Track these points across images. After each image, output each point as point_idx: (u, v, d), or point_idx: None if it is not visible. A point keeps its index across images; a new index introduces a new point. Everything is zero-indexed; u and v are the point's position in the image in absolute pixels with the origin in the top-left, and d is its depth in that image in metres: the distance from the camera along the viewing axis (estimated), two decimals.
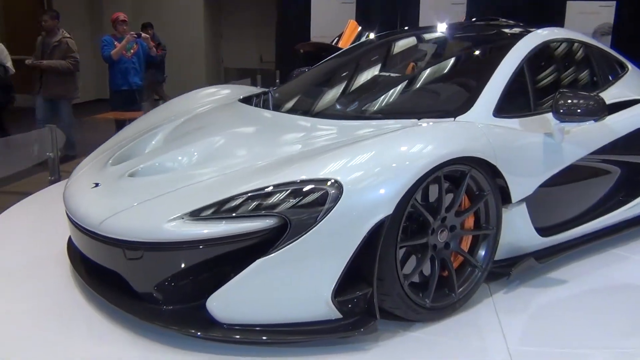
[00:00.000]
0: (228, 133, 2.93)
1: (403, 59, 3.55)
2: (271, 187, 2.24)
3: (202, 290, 2.22)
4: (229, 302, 2.19)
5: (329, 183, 2.20)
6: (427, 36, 3.76)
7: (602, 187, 3.36)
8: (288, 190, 2.21)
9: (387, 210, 2.21)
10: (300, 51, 7.89)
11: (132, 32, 6.55)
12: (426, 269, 2.54)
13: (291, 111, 3.11)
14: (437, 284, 2.60)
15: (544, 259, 3.02)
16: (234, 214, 2.20)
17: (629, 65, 3.95)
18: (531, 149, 2.79)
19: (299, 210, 2.16)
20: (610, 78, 3.69)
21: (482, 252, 2.70)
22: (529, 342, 2.45)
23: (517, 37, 3.24)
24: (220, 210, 2.22)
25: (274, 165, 2.43)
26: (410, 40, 3.78)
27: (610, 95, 3.52)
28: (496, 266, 2.84)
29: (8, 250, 3.21)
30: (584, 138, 3.08)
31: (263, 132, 2.93)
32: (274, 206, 2.18)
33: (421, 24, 10.17)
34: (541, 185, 2.86)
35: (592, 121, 2.80)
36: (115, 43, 6.62)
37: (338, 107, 3.13)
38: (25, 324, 2.45)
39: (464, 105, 2.86)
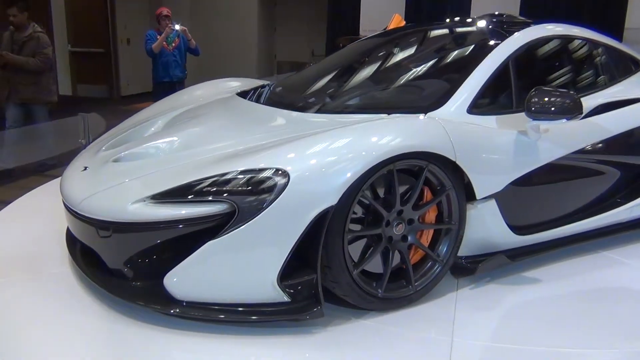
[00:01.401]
0: (211, 123, 3.11)
1: (387, 56, 3.59)
2: (225, 175, 2.38)
3: (163, 269, 2.40)
4: (183, 280, 2.36)
5: (277, 172, 2.32)
6: (417, 33, 3.77)
7: (593, 188, 3.29)
8: (240, 178, 2.35)
9: (332, 200, 2.30)
10: (340, 45, 8.08)
11: (169, 25, 6.84)
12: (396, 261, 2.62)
13: (276, 104, 3.24)
14: (397, 276, 2.67)
15: (520, 258, 3.02)
16: (189, 199, 2.37)
17: None
18: (499, 147, 2.79)
19: (247, 197, 2.30)
20: (617, 76, 3.59)
21: (443, 247, 2.74)
22: (476, 337, 2.49)
23: (505, 35, 3.21)
24: (178, 194, 2.39)
25: (236, 154, 2.57)
26: (398, 37, 3.81)
27: (609, 93, 3.44)
28: (468, 262, 2.87)
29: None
30: (566, 137, 3.03)
31: (242, 123, 3.08)
32: (225, 192, 2.33)
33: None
34: (515, 184, 2.85)
35: (565, 120, 2.76)
36: (158, 37, 6.95)
37: (316, 101, 3.23)
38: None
39: (438, 101, 2.90)
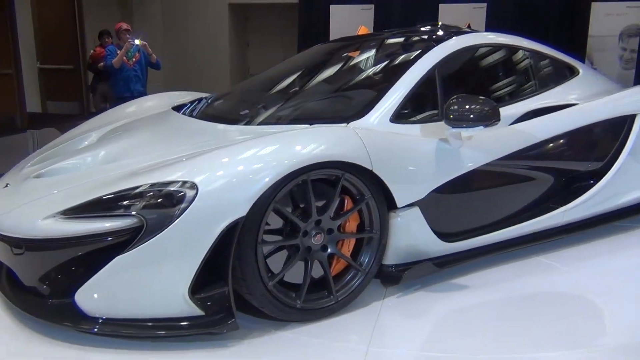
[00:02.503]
0: (138, 137, 3.09)
1: (320, 67, 3.61)
2: (136, 189, 2.37)
3: (75, 285, 2.37)
4: (93, 296, 2.33)
5: (185, 185, 2.31)
6: (355, 44, 3.79)
7: (524, 194, 3.31)
8: (148, 191, 2.34)
9: (242, 212, 2.29)
10: None
11: (129, 40, 6.82)
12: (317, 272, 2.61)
13: (207, 117, 3.23)
14: (320, 286, 2.66)
15: (449, 265, 3.02)
16: (98, 214, 2.35)
17: (581, 70, 3.86)
18: (420, 155, 2.80)
19: (155, 210, 2.29)
20: (550, 83, 3.63)
21: (365, 256, 2.74)
22: (395, 345, 2.48)
23: (432, 45, 3.24)
24: (87, 209, 2.37)
25: (150, 168, 2.55)
26: (336, 48, 3.82)
27: (540, 99, 3.47)
28: (395, 270, 2.87)
29: None
30: (491, 144, 3.05)
31: (168, 137, 3.07)
32: (133, 207, 2.31)
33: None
34: (438, 191, 2.86)
35: (482, 127, 2.78)
36: (118, 52, 6.93)
37: (245, 114, 3.23)
38: None
39: (361, 111, 2.91)
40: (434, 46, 3.22)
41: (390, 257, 2.84)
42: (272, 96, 3.45)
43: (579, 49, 8.42)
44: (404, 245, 2.85)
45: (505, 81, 3.49)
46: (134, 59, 7.00)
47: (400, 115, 2.95)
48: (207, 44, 13.11)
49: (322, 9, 11.64)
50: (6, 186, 2.85)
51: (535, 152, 3.25)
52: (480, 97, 2.86)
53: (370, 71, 3.37)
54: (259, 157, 2.40)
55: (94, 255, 2.34)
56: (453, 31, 3.55)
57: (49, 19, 11.76)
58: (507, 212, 3.25)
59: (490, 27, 9.92)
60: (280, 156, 2.40)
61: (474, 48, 3.41)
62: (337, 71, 3.46)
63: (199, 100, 3.74)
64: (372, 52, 3.54)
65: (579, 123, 3.37)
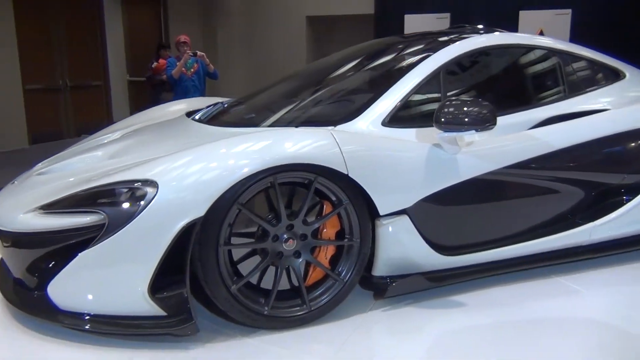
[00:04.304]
0: (137, 138, 3.16)
1: (329, 71, 3.50)
2: (105, 187, 2.40)
3: (49, 278, 2.44)
4: (61, 290, 2.38)
5: (147, 183, 2.31)
6: (375, 47, 3.65)
7: (542, 207, 3.02)
8: (114, 189, 2.36)
9: (199, 212, 2.26)
10: None
11: (188, 52, 7.08)
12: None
13: (209, 121, 3.23)
14: (293, 294, 2.57)
15: (447, 281, 2.81)
16: (69, 209, 2.40)
17: (628, 74, 3.49)
18: (405, 160, 2.62)
19: (117, 208, 2.30)
20: (583, 87, 3.30)
21: (344, 266, 2.61)
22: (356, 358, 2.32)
23: (439, 47, 3.05)
24: (61, 205, 2.44)
25: (126, 167, 2.58)
26: (356, 52, 3.70)
27: (569, 104, 3.16)
28: (384, 282, 2.70)
29: None
30: (497, 150, 2.81)
31: (162, 138, 3.09)
32: (99, 204, 2.35)
33: None
34: (432, 200, 2.67)
35: (474, 131, 2.56)
36: (177, 63, 7.21)
37: (242, 117, 3.20)
38: None
39: (351, 114, 2.79)
40: (441, 48, 3.03)
41: (380, 268, 2.68)
42: (275, 100, 3.40)
43: None
44: (394, 256, 2.68)
45: (522, 84, 3.22)
46: (192, 70, 7.17)
47: (397, 119, 2.79)
48: (285, 56, 13.36)
49: (397, 19, 11.53)
50: (12, 183, 3.00)
51: (555, 160, 2.96)
52: (477, 99, 2.65)
53: (372, 74, 3.24)
54: (220, 157, 2.35)
55: (64, 250, 2.39)
56: (469, 32, 3.33)
57: (138, 34, 12.50)
58: (521, 226, 2.97)
59: (575, 35, 9.33)
60: (241, 157, 2.34)
61: (490, 49, 3.17)
62: (343, 76, 3.34)
63: (215, 104, 3.77)
64: (383, 55, 3.39)
65: (609, 130, 3.03)
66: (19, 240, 2.50)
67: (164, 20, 12.47)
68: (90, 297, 2.37)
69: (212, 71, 7.36)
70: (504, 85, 3.22)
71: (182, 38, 7.24)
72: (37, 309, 2.47)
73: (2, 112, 9.19)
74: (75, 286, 2.36)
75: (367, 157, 2.53)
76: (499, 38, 3.22)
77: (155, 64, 9.16)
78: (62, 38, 10.40)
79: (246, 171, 2.30)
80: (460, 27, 3.66)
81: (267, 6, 13.18)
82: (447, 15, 11.05)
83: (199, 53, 7.13)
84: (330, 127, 2.71)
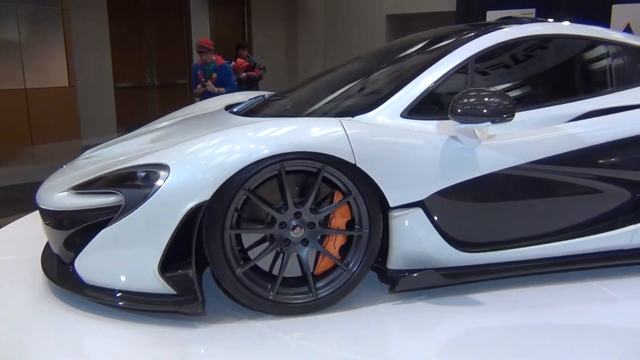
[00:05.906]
0: (178, 127, 3.31)
1: (366, 63, 3.48)
2: (127, 170, 2.55)
3: (76, 254, 2.63)
4: (86, 265, 2.55)
5: (160, 166, 2.43)
6: (401, 42, 3.59)
7: (577, 205, 2.84)
8: (134, 172, 2.51)
9: (205, 196, 2.34)
10: None
11: (207, 83, 6.89)
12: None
13: (246, 113, 3.31)
14: (301, 281, 2.60)
15: (466, 278, 2.72)
16: (95, 190, 2.58)
17: None
18: (418, 152, 2.56)
19: (133, 190, 2.45)
20: (635, 80, 3.06)
21: (353, 256, 2.60)
22: (353, 350, 2.30)
23: (468, 38, 2.95)
24: (89, 186, 2.62)
25: (150, 152, 2.71)
26: (402, 42, 3.65)
27: (615, 98, 2.95)
28: (397, 276, 2.66)
29: None
30: (524, 143, 2.68)
31: (192, 127, 3.21)
32: (120, 185, 2.50)
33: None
34: (447, 195, 2.60)
35: (489, 123, 2.46)
36: (199, 72, 7.09)
37: (271, 107, 3.26)
38: None
39: (371, 105, 2.77)
40: (471, 40, 2.93)
41: (395, 261, 2.65)
42: (307, 91, 3.43)
43: None
44: (408, 249, 2.64)
45: (561, 76, 3.03)
46: (209, 81, 6.97)
47: (418, 110, 2.73)
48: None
49: (480, 16, 11.19)
50: (62, 166, 3.26)
51: (593, 157, 2.78)
52: (497, 91, 2.54)
53: (402, 65, 3.18)
54: (229, 143, 2.43)
55: (90, 228, 2.56)
56: (504, 23, 3.18)
57: (222, 35, 12.98)
58: (551, 225, 2.81)
59: None
60: (247, 144, 2.40)
61: (525, 40, 3.01)
62: (378, 68, 3.29)
63: (256, 97, 3.86)
64: (417, 45, 3.33)
65: None
66: (53, 217, 2.71)
67: (247, 21, 12.87)
68: (109, 273, 2.53)
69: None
70: (541, 77, 3.05)
71: (201, 41, 7.09)
72: (68, 282, 2.67)
73: (94, 108, 9.93)
74: (96, 262, 2.53)
75: (376, 147, 2.50)
76: (532, 28, 3.06)
77: (233, 63, 9.45)
78: (152, 39, 11.07)
79: (252, 157, 2.36)
80: (507, 19, 3.51)
81: (348, 6, 13.25)
82: (532, 10, 10.58)
83: (208, 84, 6.92)
84: (347, 118, 2.71)
